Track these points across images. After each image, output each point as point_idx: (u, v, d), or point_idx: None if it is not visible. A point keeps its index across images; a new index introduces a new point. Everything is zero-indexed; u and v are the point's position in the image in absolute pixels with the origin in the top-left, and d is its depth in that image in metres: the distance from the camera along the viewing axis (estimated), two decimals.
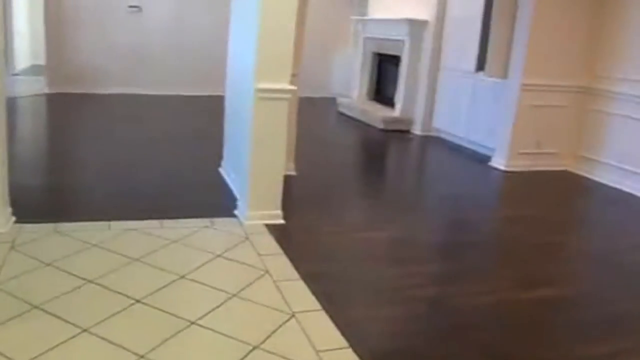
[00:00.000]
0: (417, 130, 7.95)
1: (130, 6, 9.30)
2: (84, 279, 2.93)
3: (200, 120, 7.80)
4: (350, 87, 9.74)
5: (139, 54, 9.48)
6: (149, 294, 2.83)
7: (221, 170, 5.12)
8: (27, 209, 3.81)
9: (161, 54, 9.60)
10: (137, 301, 2.75)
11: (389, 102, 8.51)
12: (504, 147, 6.22)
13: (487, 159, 6.46)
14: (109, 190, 4.56)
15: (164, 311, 2.69)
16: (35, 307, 2.62)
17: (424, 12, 7.79)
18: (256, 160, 3.87)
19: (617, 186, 5.72)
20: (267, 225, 3.89)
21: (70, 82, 9.05)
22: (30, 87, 9.43)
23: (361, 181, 5.74)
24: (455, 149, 7.14)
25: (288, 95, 3.85)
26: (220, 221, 3.93)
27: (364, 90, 9.33)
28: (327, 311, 2.83)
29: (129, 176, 4.98)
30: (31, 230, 3.48)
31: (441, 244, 4.12)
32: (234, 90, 4.64)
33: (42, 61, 9.51)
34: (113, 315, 2.61)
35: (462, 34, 7.15)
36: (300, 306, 2.86)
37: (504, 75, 6.29)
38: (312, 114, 8.15)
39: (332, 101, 9.87)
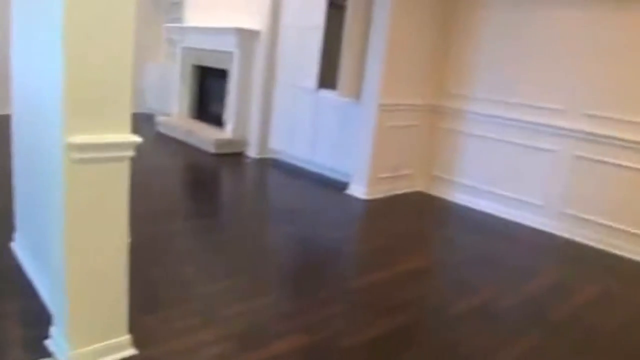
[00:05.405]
0: (252, 152, 6.82)
1: None
2: None
3: None
4: (168, 103, 8.19)
5: None
6: None
7: (14, 246, 3.32)
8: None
9: None
10: None
11: (215, 121, 7.25)
12: (364, 173, 5.44)
13: (336, 183, 5.75)
14: None
15: None
16: None
17: (254, 21, 6.65)
18: (76, 261, 2.17)
19: (469, 205, 5.42)
20: None
21: None
22: None
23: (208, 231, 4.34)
24: (298, 173, 6.19)
25: (128, 153, 2.20)
26: None
27: (185, 107, 7.88)
28: None
29: None
30: None
31: None
32: (26, 130, 2.87)
33: None
34: None
35: (301, 47, 6.18)
36: None
37: (358, 96, 5.46)
38: None
39: (147, 118, 8.29)
